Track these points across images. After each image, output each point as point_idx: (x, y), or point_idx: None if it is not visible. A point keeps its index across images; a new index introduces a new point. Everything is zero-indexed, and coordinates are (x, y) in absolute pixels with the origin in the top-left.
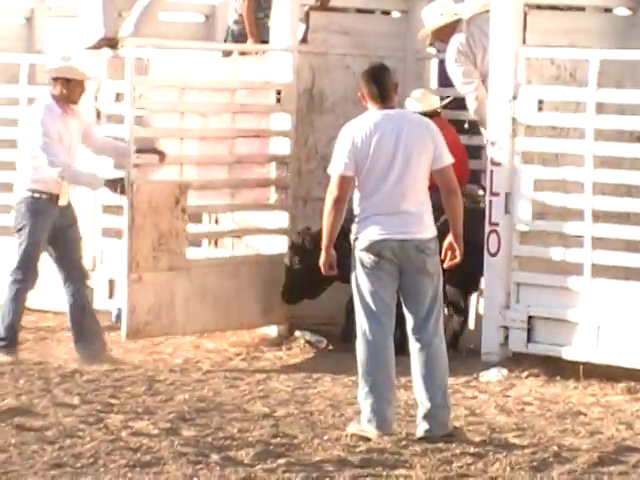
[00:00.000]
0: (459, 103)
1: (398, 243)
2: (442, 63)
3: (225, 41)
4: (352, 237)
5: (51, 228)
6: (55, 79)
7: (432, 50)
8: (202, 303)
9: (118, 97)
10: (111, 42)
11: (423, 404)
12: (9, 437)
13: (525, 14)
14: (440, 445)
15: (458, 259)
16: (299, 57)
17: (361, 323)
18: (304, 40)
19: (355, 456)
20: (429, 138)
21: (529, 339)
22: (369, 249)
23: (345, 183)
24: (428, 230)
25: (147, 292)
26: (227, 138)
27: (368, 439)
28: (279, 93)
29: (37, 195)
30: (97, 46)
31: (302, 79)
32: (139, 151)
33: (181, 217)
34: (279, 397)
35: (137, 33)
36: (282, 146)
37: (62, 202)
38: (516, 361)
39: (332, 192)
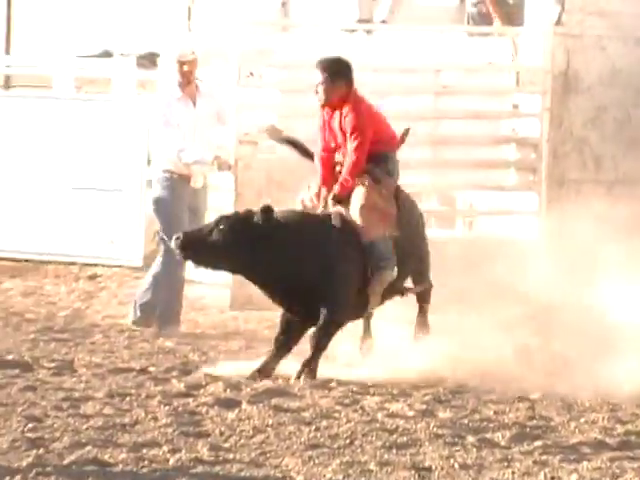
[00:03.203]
0: None
1: None
2: None
3: (468, 23)
4: None
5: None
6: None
7: None
8: None
9: None
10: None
11: None
12: (266, 418)
13: None
14: None
15: None
16: (554, 39)
17: None
18: (559, 22)
19: (613, 439)
20: None
21: None
22: None
23: None
24: None
25: None
26: (457, 118)
27: (625, 422)
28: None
29: (168, 175)
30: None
31: (557, 61)
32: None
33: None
34: (535, 379)
35: (392, 16)
36: (530, 128)
37: (195, 184)
38: None
39: None
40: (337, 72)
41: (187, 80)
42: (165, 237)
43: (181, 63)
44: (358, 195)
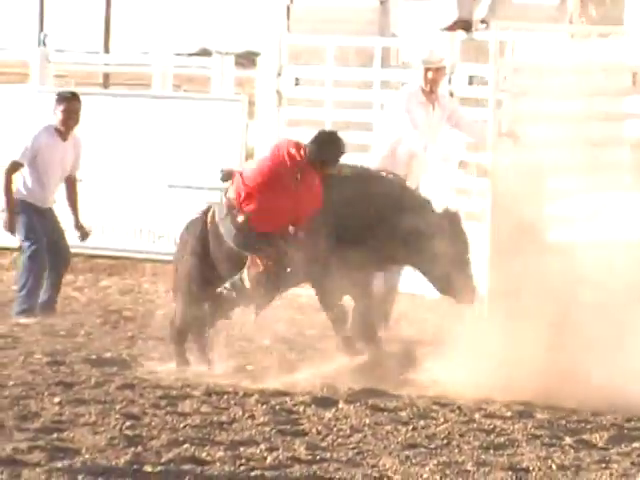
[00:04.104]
0: None
1: None
2: None
3: (571, 22)
4: None
5: None
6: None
7: None
8: None
9: (471, 80)
10: (465, 24)
11: None
12: (364, 417)
13: None
14: None
15: None
16: None
17: None
18: None
19: None
20: None
21: None
22: None
23: None
24: None
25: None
26: (583, 121)
27: None
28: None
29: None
30: (451, 28)
31: None
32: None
33: (541, 199)
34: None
35: (492, 15)
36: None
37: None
38: None
39: None
40: None
41: (430, 88)
42: None
43: (426, 69)
44: None
